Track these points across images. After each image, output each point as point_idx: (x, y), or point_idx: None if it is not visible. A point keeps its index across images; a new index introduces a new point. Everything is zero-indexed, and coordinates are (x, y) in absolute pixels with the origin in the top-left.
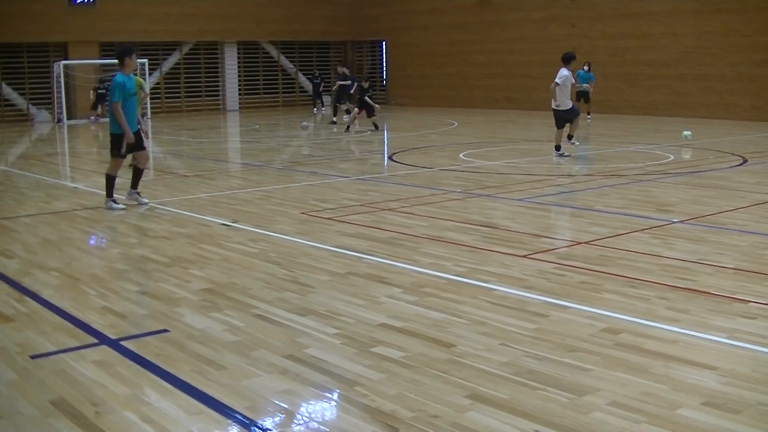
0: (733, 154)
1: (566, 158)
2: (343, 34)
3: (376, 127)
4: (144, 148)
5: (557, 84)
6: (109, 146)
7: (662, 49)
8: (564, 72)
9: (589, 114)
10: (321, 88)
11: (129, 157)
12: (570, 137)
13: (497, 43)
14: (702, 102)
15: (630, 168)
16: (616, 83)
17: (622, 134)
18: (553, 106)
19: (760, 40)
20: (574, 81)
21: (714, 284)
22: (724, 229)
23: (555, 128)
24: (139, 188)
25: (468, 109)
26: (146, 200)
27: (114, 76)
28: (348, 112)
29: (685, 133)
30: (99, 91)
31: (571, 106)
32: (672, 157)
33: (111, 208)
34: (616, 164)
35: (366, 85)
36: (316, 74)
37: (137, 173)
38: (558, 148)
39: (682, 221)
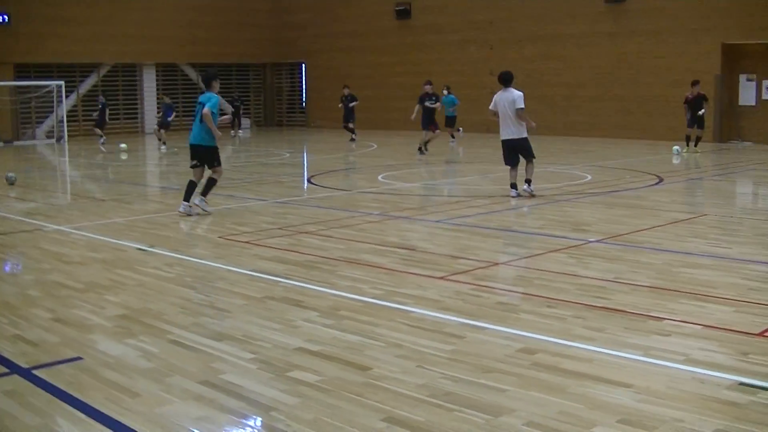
0: (649, 174)
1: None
2: (263, 57)
3: None
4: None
5: (522, 109)
6: (208, 159)
7: (578, 71)
8: (520, 93)
9: (453, 137)
10: (240, 111)
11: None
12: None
13: (416, 65)
14: (618, 123)
15: (547, 188)
16: (533, 105)
17: (540, 155)
18: (512, 136)
19: (674, 61)
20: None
21: (629, 302)
22: (640, 248)
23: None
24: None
25: (387, 131)
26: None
27: None
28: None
29: (675, 147)
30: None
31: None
32: (589, 177)
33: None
34: (534, 185)
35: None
36: (236, 97)
37: (211, 182)
38: (514, 185)
39: (598, 240)
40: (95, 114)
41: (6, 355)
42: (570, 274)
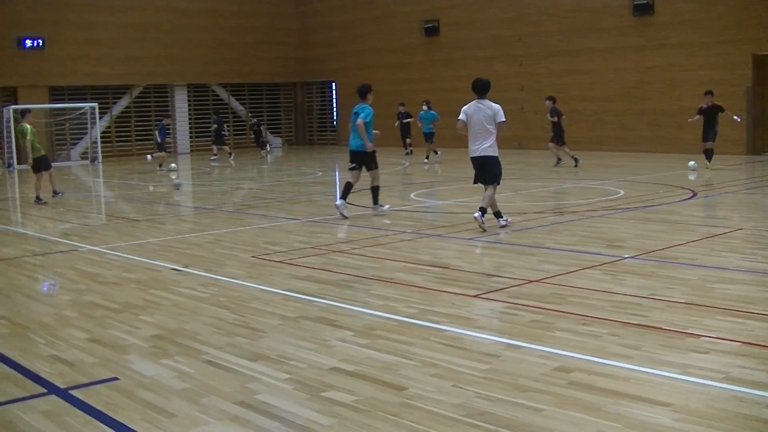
0: (682, 188)
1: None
2: (292, 76)
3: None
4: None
5: (504, 122)
6: (366, 162)
7: (607, 85)
8: (499, 106)
9: (437, 152)
10: (261, 131)
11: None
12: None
13: (443, 81)
14: (648, 136)
15: (580, 204)
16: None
17: (571, 170)
18: (485, 153)
19: (702, 74)
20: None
21: (665, 319)
22: (675, 264)
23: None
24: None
25: (417, 149)
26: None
27: None
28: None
29: (691, 163)
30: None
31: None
32: (622, 193)
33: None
34: (566, 201)
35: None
36: (253, 120)
37: (376, 190)
38: (499, 214)
39: (632, 256)
40: (212, 130)
41: (43, 375)
42: (605, 291)
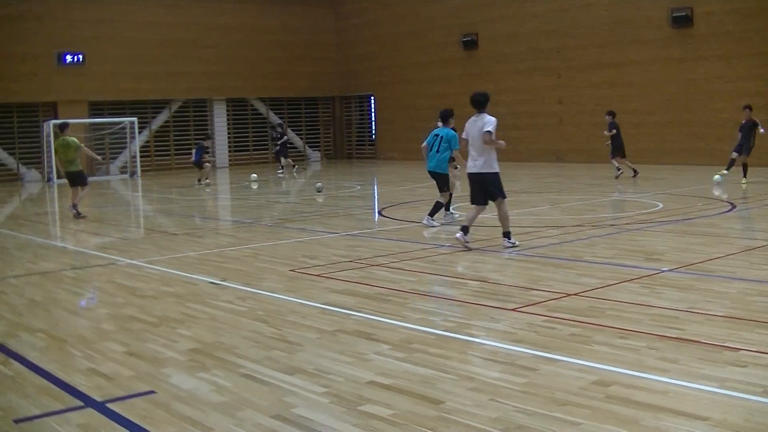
0: (721, 200)
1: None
2: (331, 90)
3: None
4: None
5: (490, 133)
6: (440, 184)
7: (646, 97)
8: (493, 119)
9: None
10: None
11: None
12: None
13: None
14: (688, 148)
15: (619, 217)
16: (602, 132)
17: (610, 183)
18: (478, 170)
19: (743, 86)
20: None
21: (704, 333)
22: (714, 277)
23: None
24: None
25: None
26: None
27: None
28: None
29: (716, 177)
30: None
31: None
32: (660, 206)
33: (432, 225)
34: (605, 214)
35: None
36: (277, 128)
37: (438, 205)
38: (465, 229)
39: (671, 270)
40: (279, 143)
41: (80, 388)
42: (643, 305)
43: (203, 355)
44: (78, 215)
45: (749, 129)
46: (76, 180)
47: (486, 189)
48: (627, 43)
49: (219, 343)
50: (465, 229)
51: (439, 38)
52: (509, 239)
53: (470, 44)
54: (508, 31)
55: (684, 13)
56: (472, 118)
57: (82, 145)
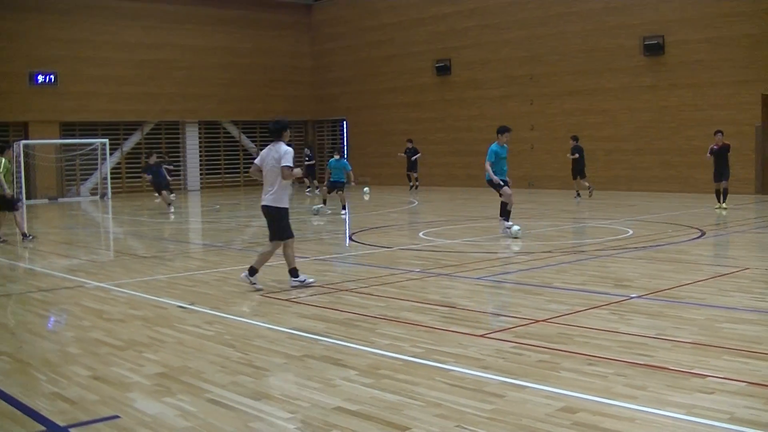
0: (691, 227)
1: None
2: (305, 113)
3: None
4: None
5: (290, 167)
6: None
7: (619, 124)
8: (290, 149)
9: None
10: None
11: None
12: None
13: (457, 121)
14: (659, 176)
15: (589, 243)
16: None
17: (581, 209)
18: (269, 203)
19: (714, 114)
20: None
21: (672, 359)
22: (682, 303)
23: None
24: None
25: (428, 188)
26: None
27: None
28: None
29: (718, 211)
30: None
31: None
32: (631, 232)
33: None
34: (575, 240)
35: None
36: (307, 152)
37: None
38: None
39: (640, 296)
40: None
41: (43, 412)
42: (612, 331)
43: (169, 379)
44: (25, 237)
45: (724, 154)
46: (2, 205)
47: (270, 223)
48: (600, 70)
49: (185, 367)
50: (252, 271)
51: (413, 64)
52: (296, 277)
53: (444, 70)
54: (481, 57)
55: (656, 42)
56: (269, 146)
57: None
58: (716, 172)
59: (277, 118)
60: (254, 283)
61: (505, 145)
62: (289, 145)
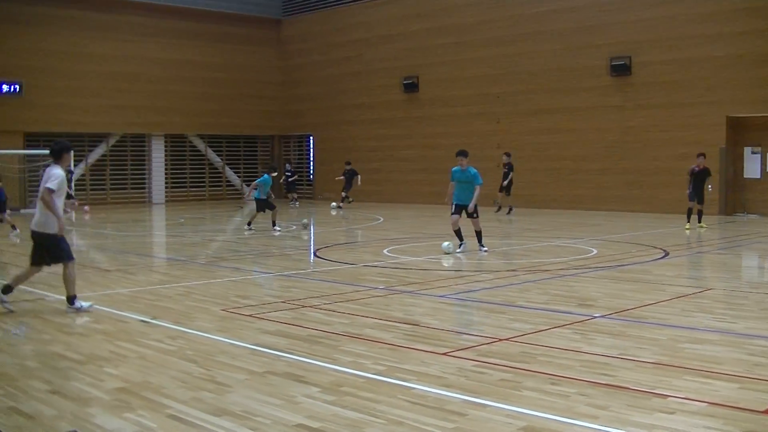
0: (655, 247)
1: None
2: (272, 129)
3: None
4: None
5: (51, 191)
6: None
7: (585, 144)
8: (59, 172)
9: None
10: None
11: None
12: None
13: (423, 138)
14: (624, 196)
15: (553, 263)
16: (540, 178)
17: (546, 228)
18: (36, 228)
19: (679, 135)
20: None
21: (633, 379)
22: (645, 323)
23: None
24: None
25: (394, 204)
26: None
27: None
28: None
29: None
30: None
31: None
32: (595, 251)
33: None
34: (539, 259)
35: None
36: (288, 168)
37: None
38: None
39: (603, 316)
40: (289, 180)
41: (0, 428)
42: (574, 350)
43: (130, 394)
44: None
45: (703, 177)
46: None
47: (42, 251)
48: (567, 90)
49: (146, 382)
50: (6, 289)
51: (381, 80)
52: (73, 304)
53: (411, 87)
54: (449, 75)
55: (623, 62)
56: (47, 168)
57: None
58: (692, 192)
59: (59, 140)
60: (6, 303)
61: (467, 169)
62: (68, 169)
